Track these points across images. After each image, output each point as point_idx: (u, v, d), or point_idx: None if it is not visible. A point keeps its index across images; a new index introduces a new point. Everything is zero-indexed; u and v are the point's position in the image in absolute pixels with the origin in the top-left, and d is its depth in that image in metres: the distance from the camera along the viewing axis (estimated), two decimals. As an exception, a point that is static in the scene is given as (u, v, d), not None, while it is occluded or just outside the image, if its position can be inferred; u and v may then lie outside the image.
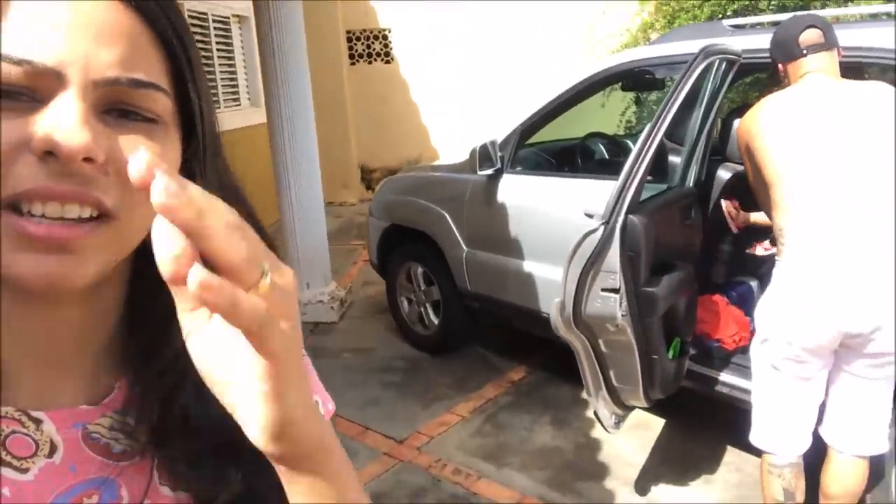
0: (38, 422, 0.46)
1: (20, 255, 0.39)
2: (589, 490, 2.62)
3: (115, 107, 0.42)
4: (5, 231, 0.39)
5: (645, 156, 1.97)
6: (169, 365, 0.49)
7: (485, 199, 3.34)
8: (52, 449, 0.46)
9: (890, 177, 1.68)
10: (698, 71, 2.03)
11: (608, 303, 1.92)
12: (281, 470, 0.41)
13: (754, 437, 2.00)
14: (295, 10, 4.21)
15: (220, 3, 6.29)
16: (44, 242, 0.39)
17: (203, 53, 5.93)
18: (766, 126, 1.83)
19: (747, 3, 5.01)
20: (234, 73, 6.70)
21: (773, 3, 4.83)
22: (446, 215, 3.55)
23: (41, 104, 0.39)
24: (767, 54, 2.02)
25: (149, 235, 0.42)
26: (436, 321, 3.83)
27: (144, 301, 0.51)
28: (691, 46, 2.34)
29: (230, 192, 0.52)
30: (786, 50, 1.94)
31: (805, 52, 1.89)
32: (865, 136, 1.74)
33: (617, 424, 2.26)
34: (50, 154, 0.38)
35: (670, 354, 2.17)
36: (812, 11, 3.48)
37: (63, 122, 0.38)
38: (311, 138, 4.39)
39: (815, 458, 2.00)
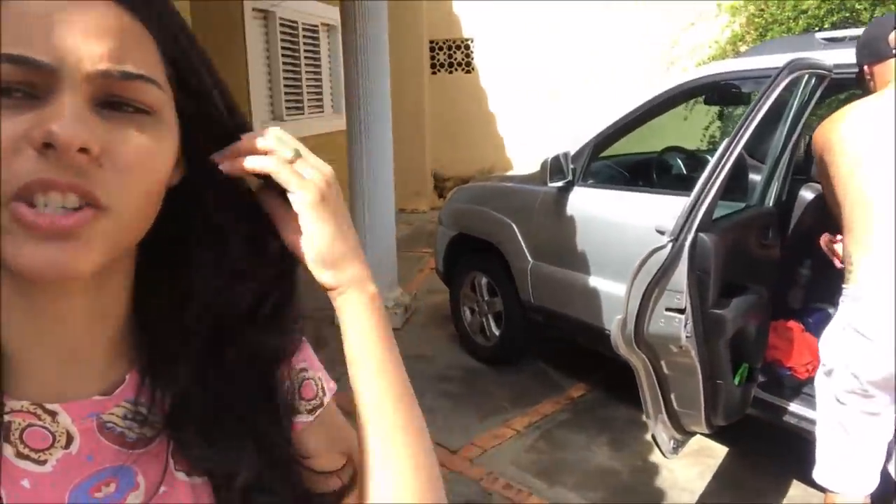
0: (53, 414, 0.47)
1: (26, 245, 0.41)
2: (645, 517, 2.52)
3: (109, 100, 0.43)
4: (11, 225, 0.41)
5: (720, 172, 1.88)
6: (178, 352, 0.51)
7: (554, 212, 3.28)
8: (69, 440, 0.47)
9: None
10: (782, 86, 1.92)
11: (672, 323, 1.83)
12: (335, 299, 0.54)
13: (818, 474, 1.86)
14: (380, 19, 4.28)
15: (310, 12, 6.48)
16: (47, 231, 0.40)
17: (291, 61, 6.15)
18: (844, 137, 1.69)
19: (847, 15, 4.74)
20: (319, 80, 6.89)
21: (875, 14, 4.55)
22: (514, 226, 3.51)
23: (39, 101, 0.41)
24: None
25: (151, 230, 0.47)
26: (497, 332, 3.79)
27: (151, 291, 0.52)
28: (780, 60, 2.23)
29: (239, 183, 0.53)
30: (872, 49, 1.79)
31: (895, 51, 1.74)
32: None
33: (675, 450, 2.15)
34: (48, 146, 0.40)
35: (736, 380, 2.06)
36: None
37: (60, 115, 0.40)
38: (387, 146, 4.44)
39: (882, 499, 1.85)
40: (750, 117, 1.94)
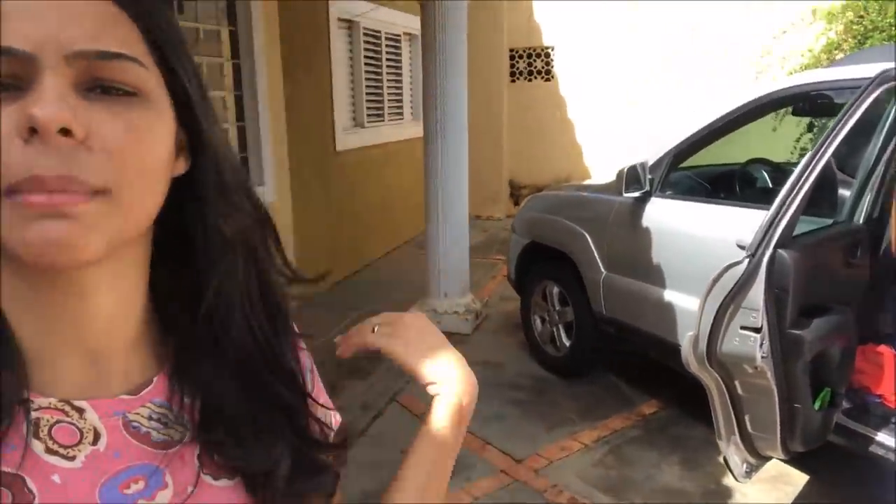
0: (80, 411, 0.48)
1: (26, 227, 0.41)
2: (715, 542, 2.43)
3: (94, 84, 0.43)
4: (9, 215, 0.41)
5: (802, 185, 1.80)
6: (204, 356, 0.52)
7: (629, 222, 3.22)
8: (96, 437, 0.48)
9: None
10: (872, 97, 1.83)
11: (747, 342, 1.77)
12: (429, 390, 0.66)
13: None
14: (459, 26, 4.34)
15: (393, 22, 6.62)
16: (45, 209, 0.41)
17: (373, 69, 6.29)
18: None
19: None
20: (399, 88, 7.02)
21: None
22: (587, 236, 3.47)
23: (24, 91, 0.41)
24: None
25: (158, 230, 0.48)
26: (567, 343, 3.75)
27: (170, 290, 0.54)
28: (876, 70, 2.11)
29: (229, 164, 0.53)
30: None
31: None
32: None
33: (748, 474, 2.07)
34: (33, 132, 0.40)
35: (817, 405, 1.96)
36: None
37: (39, 98, 0.40)
38: (463, 153, 4.49)
39: None
40: (837, 129, 1.85)
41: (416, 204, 7.27)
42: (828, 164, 2.46)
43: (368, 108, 6.26)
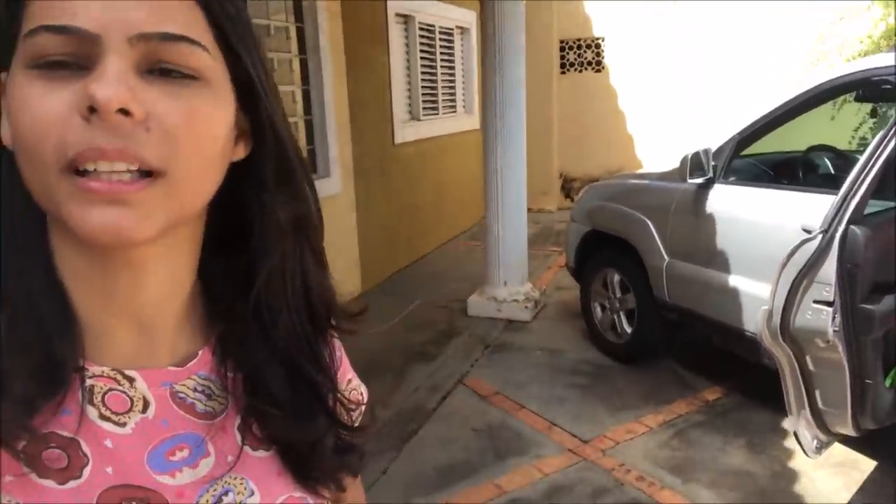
0: (131, 380, 0.50)
1: (86, 210, 0.42)
2: (783, 519, 2.49)
3: (156, 66, 0.44)
4: (70, 193, 0.42)
5: (874, 164, 1.85)
6: (248, 332, 0.54)
7: (692, 209, 3.28)
8: (146, 405, 0.50)
9: None
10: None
11: (820, 316, 1.83)
12: None
13: None
14: (517, 21, 4.43)
15: (446, 16, 6.74)
16: (105, 196, 0.42)
17: (428, 63, 6.42)
18: None
19: None
20: (453, 81, 7.14)
21: None
22: (649, 223, 3.53)
23: (87, 70, 0.42)
24: None
25: (213, 201, 0.49)
26: (629, 330, 3.82)
27: (221, 269, 0.55)
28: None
29: (290, 154, 0.54)
30: None
31: None
32: None
33: (819, 450, 2.13)
34: (92, 111, 0.41)
35: (888, 382, 2.01)
36: None
37: (100, 77, 0.41)
38: (521, 146, 4.59)
39: None
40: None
41: (468, 196, 7.42)
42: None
43: (424, 101, 6.40)
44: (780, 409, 2.96)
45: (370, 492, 2.65)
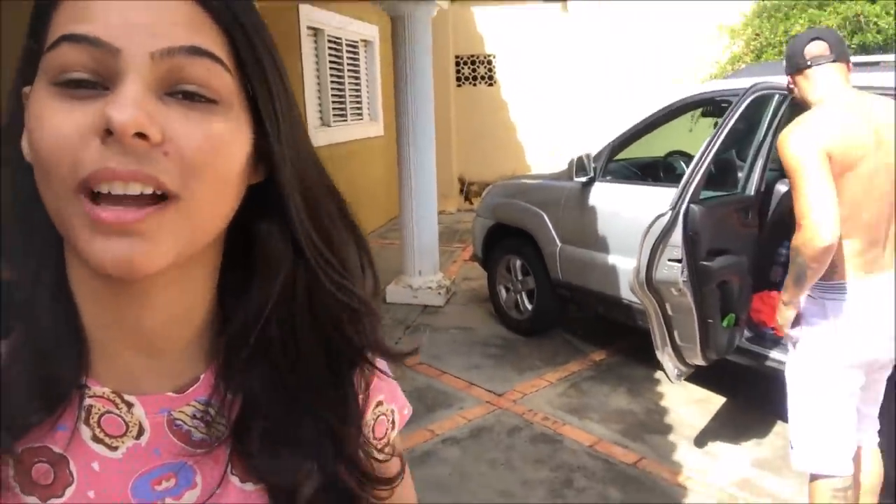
0: (129, 405, 0.49)
1: (94, 241, 0.42)
2: (655, 441, 3.19)
3: (176, 88, 0.43)
4: (82, 221, 0.42)
5: (703, 161, 2.59)
6: (252, 361, 0.52)
7: (578, 203, 3.97)
8: (140, 432, 0.49)
9: None
10: (746, 102, 2.61)
11: (673, 270, 2.52)
12: None
13: (798, 461, 2.06)
14: (426, 38, 5.02)
15: (352, 30, 7.21)
16: (113, 226, 0.41)
17: (336, 73, 6.87)
18: (786, 150, 1.92)
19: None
20: (358, 90, 7.62)
21: (852, 45, 5.23)
22: (544, 215, 4.20)
23: (107, 91, 0.42)
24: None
25: (239, 227, 0.48)
26: (529, 307, 4.47)
27: (232, 298, 0.53)
28: (751, 82, 2.91)
29: (315, 178, 0.52)
30: (792, 63, 2.05)
31: (809, 63, 1.99)
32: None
33: (679, 377, 2.82)
34: (110, 134, 0.40)
35: (724, 323, 2.73)
36: (826, 27, 3.84)
37: (118, 99, 0.41)
38: (431, 151, 5.18)
39: None
40: (724, 123, 2.65)
41: (376, 198, 7.93)
42: (728, 152, 3.27)
43: (333, 108, 6.84)
44: (653, 364, 3.71)
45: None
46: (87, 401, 0.48)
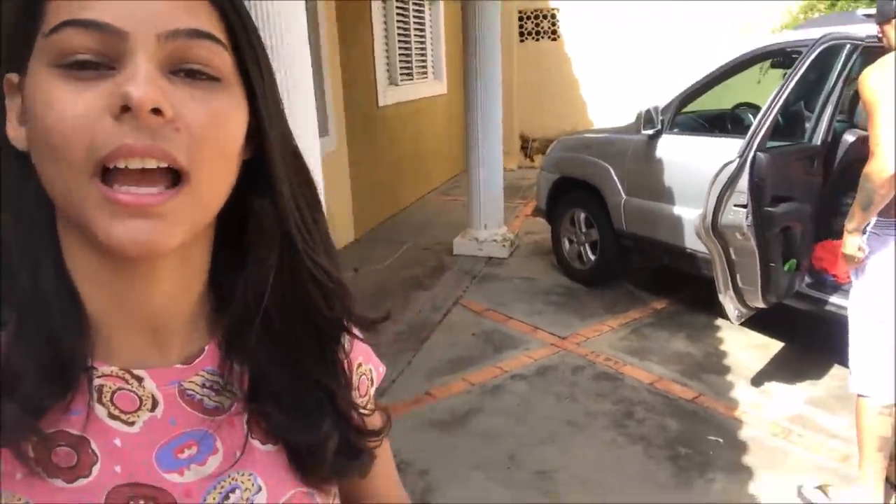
0: (139, 379, 0.51)
1: (114, 223, 0.43)
2: (713, 381, 3.35)
3: (181, 66, 0.45)
4: (99, 203, 0.43)
5: (771, 111, 2.68)
6: (255, 328, 0.54)
7: (644, 155, 4.08)
8: (154, 404, 0.51)
9: None
10: (815, 53, 2.68)
11: (738, 215, 2.65)
12: None
13: (853, 384, 2.28)
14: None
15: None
16: (132, 209, 0.43)
17: (403, 32, 7.03)
18: (870, 86, 2.10)
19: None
20: (424, 49, 7.77)
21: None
22: (610, 168, 4.33)
23: (115, 71, 0.43)
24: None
25: (227, 205, 0.50)
26: (592, 258, 4.64)
27: (229, 266, 0.55)
28: (821, 33, 2.95)
29: (293, 156, 0.55)
30: (881, 11, 2.19)
31: None
32: None
33: (739, 318, 2.97)
34: (125, 110, 0.42)
35: (786, 268, 2.85)
36: None
37: (133, 77, 0.42)
38: (498, 106, 5.33)
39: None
40: (793, 73, 2.72)
41: (439, 156, 8.14)
42: (797, 103, 3.33)
43: (400, 68, 7.03)
44: (713, 312, 3.85)
45: (398, 381, 3.42)
46: (97, 381, 0.49)
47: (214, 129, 0.46)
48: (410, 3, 7.25)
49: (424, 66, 7.84)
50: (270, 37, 2.03)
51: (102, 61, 0.43)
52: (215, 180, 0.48)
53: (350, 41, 5.78)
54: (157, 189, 0.44)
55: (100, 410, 0.49)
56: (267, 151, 0.51)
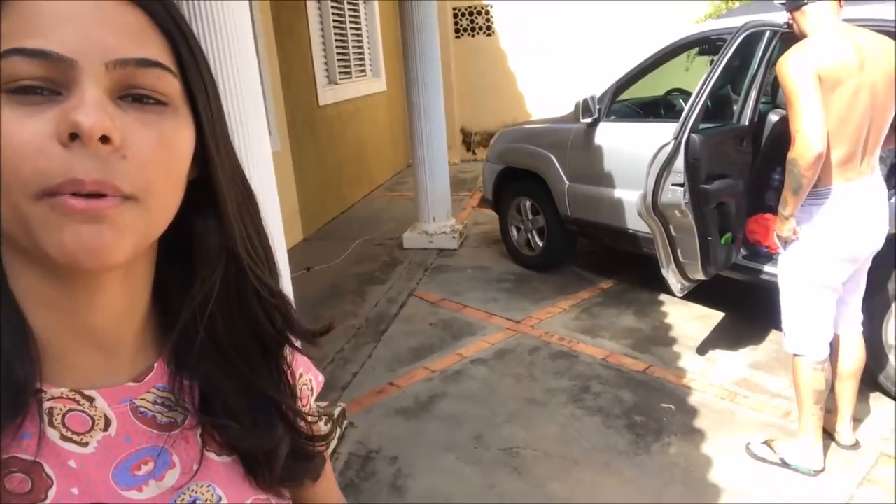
0: (90, 399, 0.50)
1: (64, 231, 0.43)
2: (661, 352, 3.54)
3: (128, 92, 0.45)
4: (45, 218, 0.43)
5: (702, 94, 2.86)
6: (200, 343, 0.55)
7: (584, 143, 4.24)
8: (107, 423, 0.51)
9: None
10: (739, 40, 2.87)
11: (676, 194, 2.81)
12: None
13: (788, 344, 2.46)
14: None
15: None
16: (83, 214, 0.43)
17: (339, 31, 7.04)
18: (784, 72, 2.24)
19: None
20: (361, 47, 7.79)
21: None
22: (552, 157, 4.48)
23: (61, 97, 0.43)
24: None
25: (171, 224, 0.50)
26: (540, 244, 4.79)
27: (173, 283, 0.56)
28: (751, 19, 3.16)
29: (238, 175, 0.56)
30: (793, 1, 2.36)
31: (806, 1, 2.30)
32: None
33: (682, 291, 3.15)
34: (74, 138, 0.42)
35: (723, 241, 3.04)
36: None
37: (82, 104, 0.42)
38: (440, 101, 5.41)
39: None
40: (719, 60, 2.91)
41: (382, 153, 8.18)
42: (724, 87, 3.53)
43: (339, 66, 7.04)
44: (657, 289, 4.04)
45: (361, 373, 3.48)
46: (47, 404, 0.48)
47: (163, 154, 0.46)
48: (346, 2, 7.26)
49: (363, 65, 7.87)
50: (218, 41, 2.06)
51: (49, 87, 0.43)
52: (163, 201, 0.48)
53: (287, 41, 5.77)
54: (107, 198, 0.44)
55: (51, 433, 0.48)
56: (212, 171, 0.52)
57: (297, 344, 0.65)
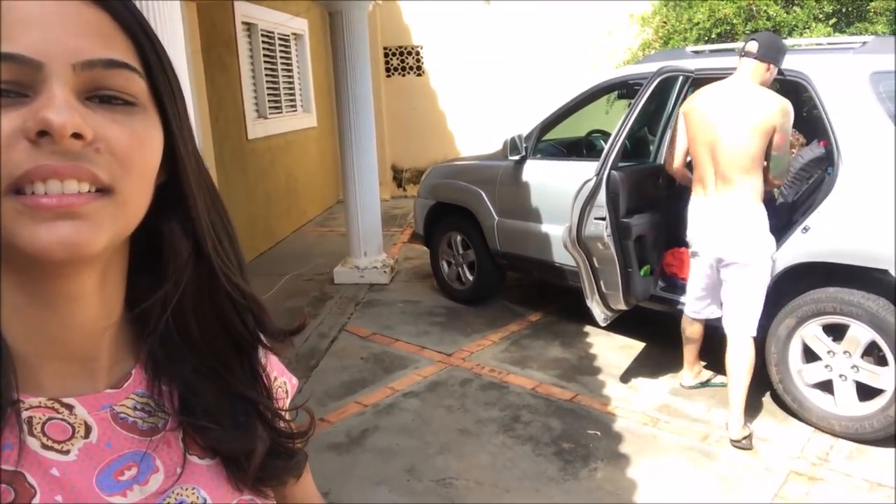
0: (70, 407, 0.51)
1: (38, 228, 0.43)
2: (587, 381, 3.65)
3: (96, 93, 0.46)
4: (16, 213, 0.43)
5: (620, 135, 3.05)
6: (174, 349, 0.56)
7: (512, 179, 4.39)
8: (88, 430, 0.51)
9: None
10: (654, 84, 3.09)
11: (599, 227, 2.96)
12: None
13: (686, 309, 3.06)
14: (362, 30, 5.29)
15: (283, 24, 7.40)
16: (56, 210, 0.43)
17: (270, 66, 7.06)
18: (686, 113, 2.92)
19: (728, 27, 6.07)
20: (291, 83, 7.82)
21: (745, 31, 5.88)
22: (482, 192, 4.60)
23: (29, 98, 0.43)
24: (715, 71, 3.04)
25: (139, 229, 0.51)
26: (471, 278, 4.87)
27: (144, 290, 0.56)
28: (657, 66, 3.39)
29: (205, 176, 0.57)
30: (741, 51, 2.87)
31: (742, 55, 2.82)
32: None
33: (605, 321, 3.28)
34: (43, 135, 0.42)
35: (642, 273, 3.20)
36: (770, 32, 4.47)
37: (51, 103, 0.43)
38: (372, 138, 5.49)
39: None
40: (636, 103, 3.11)
41: (313, 187, 8.17)
42: (641, 130, 3.76)
43: (269, 101, 7.03)
44: (582, 320, 4.17)
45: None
46: (26, 413, 0.48)
47: (137, 149, 0.47)
48: (276, 37, 7.30)
49: (293, 100, 7.88)
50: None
51: (15, 89, 0.43)
52: (137, 197, 0.48)
53: (217, 74, 5.74)
54: (81, 191, 0.44)
55: (32, 442, 0.48)
56: (181, 172, 0.53)
57: (270, 346, 0.65)
